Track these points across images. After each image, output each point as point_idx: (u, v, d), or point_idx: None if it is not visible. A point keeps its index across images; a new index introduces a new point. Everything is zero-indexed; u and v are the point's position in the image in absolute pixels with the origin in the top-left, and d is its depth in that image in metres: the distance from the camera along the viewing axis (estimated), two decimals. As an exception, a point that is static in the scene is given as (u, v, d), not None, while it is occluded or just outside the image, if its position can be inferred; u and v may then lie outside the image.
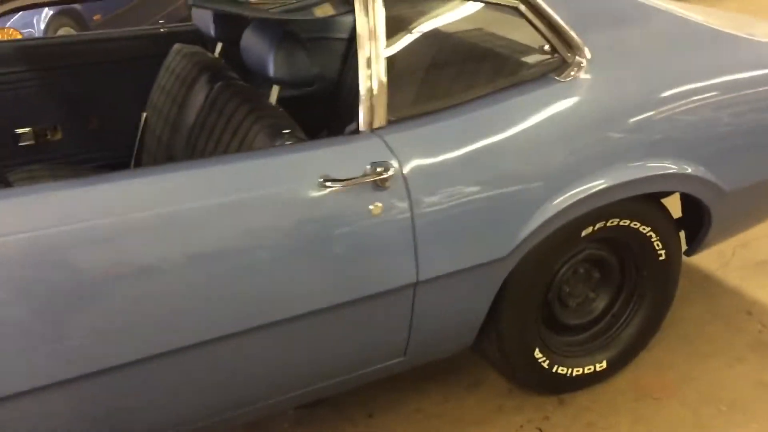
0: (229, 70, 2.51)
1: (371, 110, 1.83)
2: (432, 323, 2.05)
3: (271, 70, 2.03)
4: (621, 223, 2.24)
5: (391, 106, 1.87)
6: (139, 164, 2.86)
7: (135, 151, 2.86)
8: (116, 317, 1.60)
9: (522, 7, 1.98)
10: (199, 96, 2.44)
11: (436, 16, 2.14)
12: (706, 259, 3.17)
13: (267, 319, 1.77)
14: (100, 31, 3.18)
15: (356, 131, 1.85)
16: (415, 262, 1.89)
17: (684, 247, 2.52)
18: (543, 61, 2.09)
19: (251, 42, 2.13)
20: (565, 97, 2.03)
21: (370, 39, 1.81)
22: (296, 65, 2.02)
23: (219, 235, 1.67)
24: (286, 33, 2.03)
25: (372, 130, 1.85)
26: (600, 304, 2.48)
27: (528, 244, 2.04)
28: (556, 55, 2.06)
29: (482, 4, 2.02)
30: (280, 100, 2.22)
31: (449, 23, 2.16)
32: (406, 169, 1.83)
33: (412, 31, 2.14)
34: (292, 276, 1.77)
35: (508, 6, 1.98)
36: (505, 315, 2.20)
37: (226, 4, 1.93)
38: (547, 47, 2.06)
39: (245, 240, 1.70)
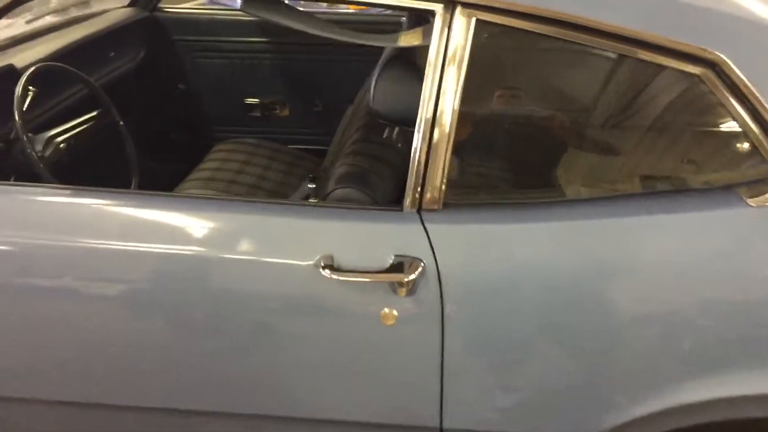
0: None
1: (422, 182, 1.32)
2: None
3: (371, 98, 1.60)
4: None
5: (456, 183, 1.33)
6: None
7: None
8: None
9: (710, 78, 1.24)
10: (359, 107, 2.11)
11: (565, 64, 1.42)
12: None
13: (251, 410, 1.46)
14: (345, 11, 2.90)
15: (400, 207, 1.35)
16: (438, 405, 1.37)
17: None
18: (731, 164, 1.31)
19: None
20: (757, 232, 1.25)
21: (439, 74, 1.28)
22: (400, 100, 1.55)
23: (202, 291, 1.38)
24: (397, 56, 1.58)
25: (418, 210, 1.33)
26: None
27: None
28: (755, 159, 1.26)
29: (639, 63, 1.28)
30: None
31: (585, 78, 1.43)
32: (446, 277, 1.30)
33: (520, 78, 1.46)
34: (273, 369, 1.40)
35: (685, 72, 1.25)
36: None
37: (279, 12, 1.52)
38: (744, 145, 1.27)
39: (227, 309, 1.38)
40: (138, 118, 2.81)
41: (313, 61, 2.79)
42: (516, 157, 1.44)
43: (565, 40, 1.25)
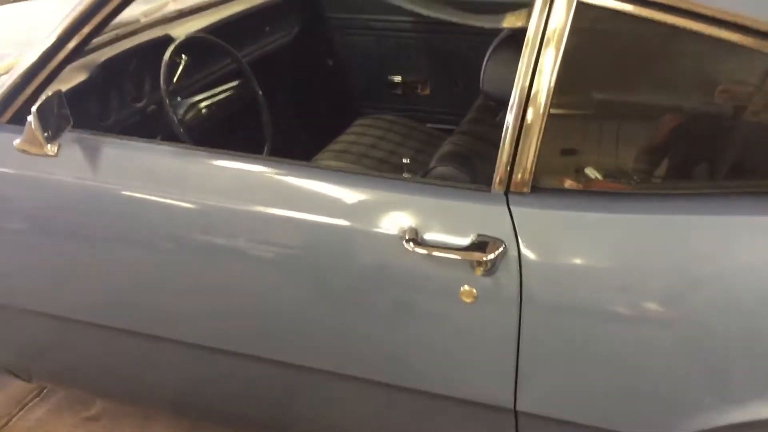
0: None
1: (511, 164, 1.31)
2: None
3: (481, 80, 1.62)
4: None
5: (549, 166, 1.31)
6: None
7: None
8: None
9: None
10: None
11: (676, 53, 1.31)
12: None
13: (315, 363, 1.55)
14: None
15: (488, 188, 1.36)
16: (513, 384, 1.37)
17: None
18: None
19: None
20: None
21: (536, 53, 1.26)
22: (508, 81, 1.54)
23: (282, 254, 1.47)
24: (509, 37, 1.57)
25: (506, 192, 1.33)
26: None
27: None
28: None
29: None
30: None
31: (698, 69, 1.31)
32: (526, 261, 1.29)
33: (623, 64, 1.34)
34: (353, 331, 1.47)
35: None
36: None
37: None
38: None
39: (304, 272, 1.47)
40: (287, 90, 2.97)
41: (457, 41, 2.80)
42: (629, 147, 1.37)
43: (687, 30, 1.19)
